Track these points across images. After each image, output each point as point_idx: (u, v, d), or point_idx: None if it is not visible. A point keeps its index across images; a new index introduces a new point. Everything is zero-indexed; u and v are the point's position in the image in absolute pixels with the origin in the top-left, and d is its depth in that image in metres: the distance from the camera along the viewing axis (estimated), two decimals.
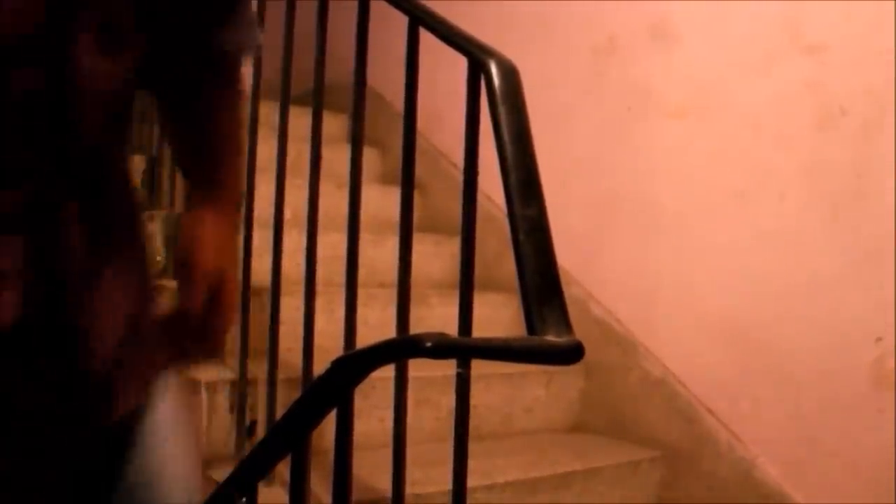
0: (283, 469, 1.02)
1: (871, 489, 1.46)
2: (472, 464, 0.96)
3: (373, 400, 1.61)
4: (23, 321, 0.63)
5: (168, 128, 0.90)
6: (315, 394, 0.90)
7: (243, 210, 1.53)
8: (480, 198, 1.14)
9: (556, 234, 0.87)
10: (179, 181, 1.95)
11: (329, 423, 0.92)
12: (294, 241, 1.80)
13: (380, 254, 2.11)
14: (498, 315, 2.05)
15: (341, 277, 1.23)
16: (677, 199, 1.87)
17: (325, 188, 1.37)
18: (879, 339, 1.47)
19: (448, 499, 1.01)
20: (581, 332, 0.76)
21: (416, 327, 1.02)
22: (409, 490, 1.04)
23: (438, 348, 0.73)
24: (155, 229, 1.95)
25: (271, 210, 1.41)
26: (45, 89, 0.60)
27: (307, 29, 1.37)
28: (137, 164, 2.16)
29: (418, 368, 1.72)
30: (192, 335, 0.85)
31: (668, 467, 1.78)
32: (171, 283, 1.92)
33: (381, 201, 2.29)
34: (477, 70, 0.95)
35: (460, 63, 0.99)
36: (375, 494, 1.33)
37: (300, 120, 1.59)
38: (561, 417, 1.96)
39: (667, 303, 1.87)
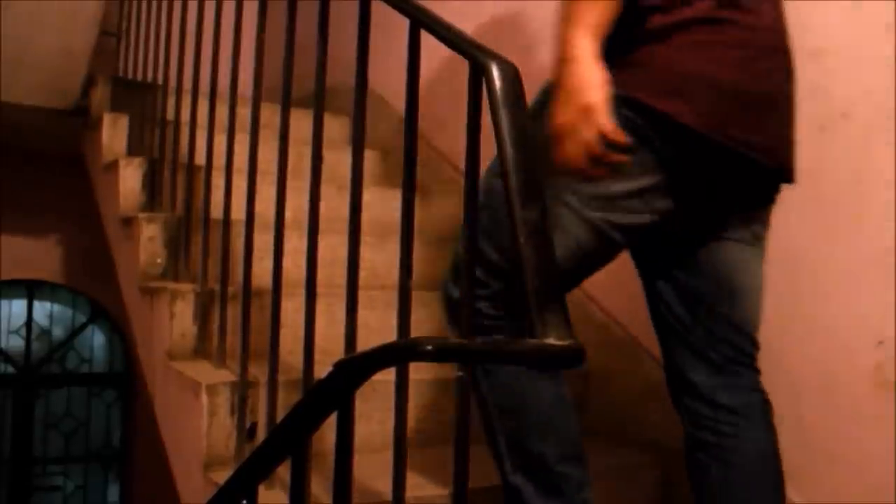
0: (284, 472, 1.03)
1: (871, 494, 1.46)
2: (472, 467, 0.96)
3: (373, 402, 1.61)
4: None
5: None
6: (316, 397, 0.90)
7: (244, 212, 1.53)
8: None
9: None
10: (180, 182, 1.96)
11: (329, 426, 0.92)
12: (295, 244, 1.80)
13: (381, 256, 2.12)
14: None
15: (342, 280, 1.23)
16: None
17: (326, 191, 1.37)
18: (880, 344, 1.47)
19: (449, 501, 1.01)
20: (582, 335, 0.76)
21: (417, 331, 1.01)
22: (410, 493, 1.04)
23: (439, 352, 0.73)
24: (155, 232, 1.95)
25: (272, 212, 1.41)
26: None
27: (308, 31, 1.37)
28: (138, 165, 2.16)
29: (420, 371, 1.72)
30: None
31: (667, 471, 1.78)
32: (170, 285, 1.93)
33: (382, 204, 2.30)
34: (478, 73, 0.95)
35: (462, 66, 0.99)
36: (375, 498, 1.33)
37: (301, 122, 1.59)
38: None
39: None
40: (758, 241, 1.31)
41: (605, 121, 1.02)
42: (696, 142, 1.11)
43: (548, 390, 1.21)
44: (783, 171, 1.24)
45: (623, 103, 1.09)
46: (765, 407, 1.30)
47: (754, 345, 1.29)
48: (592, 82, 1.03)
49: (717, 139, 1.10)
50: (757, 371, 1.31)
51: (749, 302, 1.28)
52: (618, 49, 1.10)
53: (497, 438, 1.20)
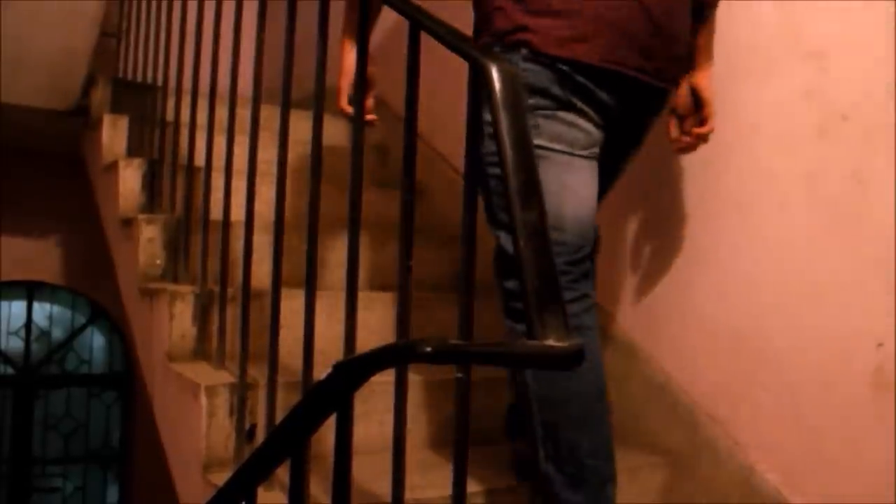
0: (283, 473, 1.02)
1: (871, 495, 1.45)
2: (472, 468, 0.96)
3: (372, 404, 1.61)
4: None
5: None
6: (315, 399, 0.90)
7: (244, 213, 1.53)
8: (480, 201, 1.13)
9: None
10: (180, 184, 1.95)
11: (328, 428, 0.91)
12: (294, 244, 1.80)
13: (380, 257, 2.12)
14: (499, 319, 2.05)
15: (342, 281, 1.22)
16: (678, 205, 1.87)
17: (325, 191, 1.37)
18: (880, 346, 1.47)
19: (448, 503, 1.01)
20: None
21: (417, 332, 1.01)
22: (409, 495, 1.03)
23: (438, 353, 0.73)
24: (155, 233, 1.95)
25: (272, 213, 1.41)
26: None
27: (308, 32, 1.37)
28: (138, 166, 2.16)
29: (419, 372, 1.72)
30: None
31: (668, 473, 1.77)
32: (170, 286, 1.93)
33: (381, 204, 2.29)
34: (478, 74, 0.95)
35: (462, 67, 0.99)
36: (374, 499, 1.33)
37: (301, 123, 1.59)
38: None
39: (668, 309, 1.87)
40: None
41: (343, 93, 1.57)
42: (602, 74, 1.36)
43: (593, 384, 1.31)
44: (668, 86, 1.51)
45: (546, 58, 1.34)
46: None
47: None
48: (343, 70, 1.55)
49: (614, 69, 1.36)
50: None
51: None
52: (520, 20, 1.35)
53: (535, 426, 1.28)
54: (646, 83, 1.42)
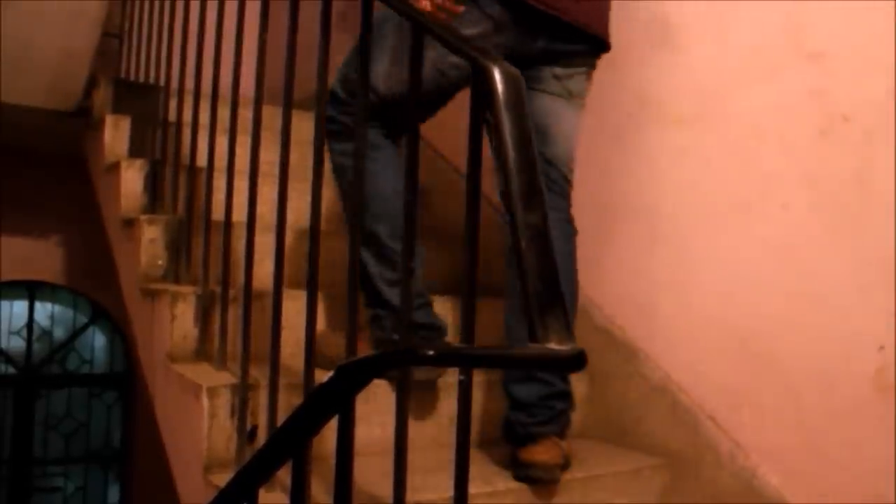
0: (284, 474, 1.02)
1: (872, 497, 1.45)
2: (473, 470, 0.96)
3: (374, 405, 1.61)
4: None
5: None
6: (316, 401, 0.90)
7: (246, 214, 1.53)
8: (482, 202, 1.12)
9: None
10: (182, 184, 1.96)
11: (330, 429, 0.91)
12: (296, 245, 1.80)
13: None
14: (499, 320, 2.05)
15: (343, 281, 1.22)
16: (679, 206, 1.87)
17: (326, 192, 1.37)
18: (882, 348, 1.46)
19: None
20: (583, 339, 0.76)
21: None
22: (410, 497, 1.03)
23: (440, 357, 0.73)
24: (157, 233, 1.95)
25: (273, 214, 1.41)
26: None
27: (310, 33, 1.38)
28: (139, 167, 2.16)
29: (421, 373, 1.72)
30: None
31: (669, 475, 1.77)
32: (171, 287, 1.93)
33: None
34: (480, 76, 0.95)
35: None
36: (376, 501, 1.33)
37: (302, 124, 1.59)
38: None
39: (668, 310, 1.87)
40: (572, 97, 1.70)
41: None
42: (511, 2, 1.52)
43: (391, 185, 1.56)
44: (597, 40, 1.65)
45: None
46: (568, 230, 1.70)
47: (566, 179, 1.71)
48: None
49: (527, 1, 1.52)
50: (567, 202, 1.72)
51: (559, 143, 1.69)
52: None
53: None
54: (552, 17, 1.55)
